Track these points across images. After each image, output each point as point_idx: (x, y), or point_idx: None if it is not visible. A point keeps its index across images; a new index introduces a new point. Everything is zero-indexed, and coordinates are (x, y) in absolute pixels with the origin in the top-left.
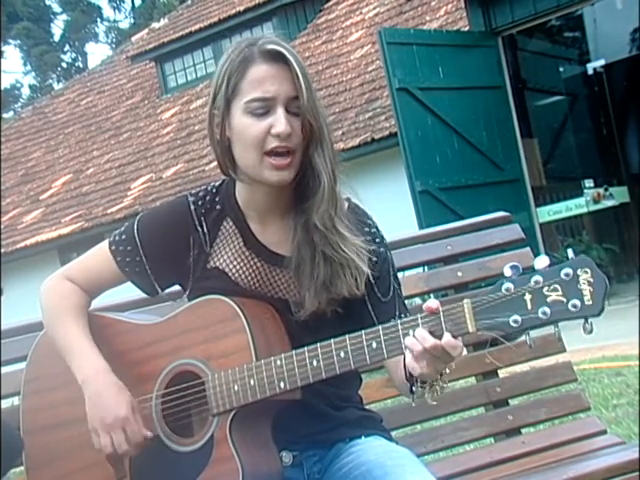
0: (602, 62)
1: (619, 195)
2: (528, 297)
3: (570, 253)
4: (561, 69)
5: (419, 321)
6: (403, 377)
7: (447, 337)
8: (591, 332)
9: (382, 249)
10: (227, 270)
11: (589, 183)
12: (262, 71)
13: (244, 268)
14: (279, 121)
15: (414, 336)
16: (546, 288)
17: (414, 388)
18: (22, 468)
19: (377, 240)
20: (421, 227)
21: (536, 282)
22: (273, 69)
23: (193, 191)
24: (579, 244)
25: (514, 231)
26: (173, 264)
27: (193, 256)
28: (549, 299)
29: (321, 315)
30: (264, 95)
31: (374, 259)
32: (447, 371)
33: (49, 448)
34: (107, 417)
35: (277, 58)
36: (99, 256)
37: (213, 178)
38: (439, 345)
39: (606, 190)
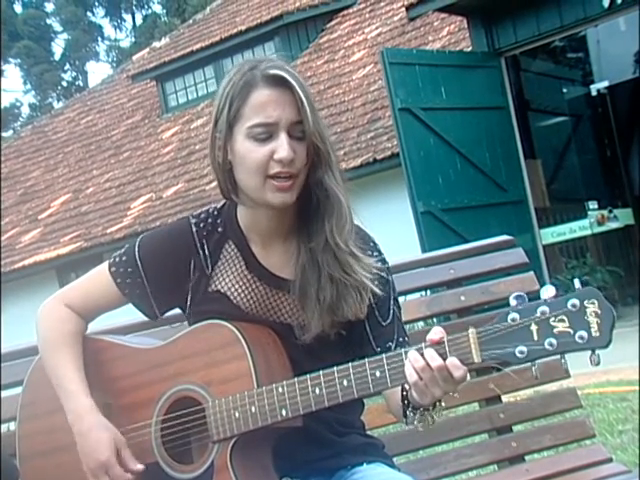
0: (606, 83)
1: (623, 217)
2: (534, 328)
3: (577, 283)
4: (564, 90)
5: (423, 351)
6: (399, 399)
7: (452, 359)
8: (598, 364)
9: (383, 273)
10: (229, 293)
11: (593, 205)
12: (264, 96)
13: (246, 292)
14: (282, 147)
15: (422, 354)
16: (553, 319)
17: (408, 412)
18: None
19: (379, 265)
20: (423, 248)
21: (542, 312)
22: (275, 94)
23: (195, 213)
24: (583, 266)
25: (517, 255)
26: (174, 286)
27: (194, 279)
28: (556, 330)
29: (324, 338)
30: (266, 120)
31: (378, 290)
32: (442, 404)
33: (45, 473)
34: (90, 462)
35: (280, 83)
36: (98, 278)
37: (214, 198)
38: (443, 366)
39: (610, 212)
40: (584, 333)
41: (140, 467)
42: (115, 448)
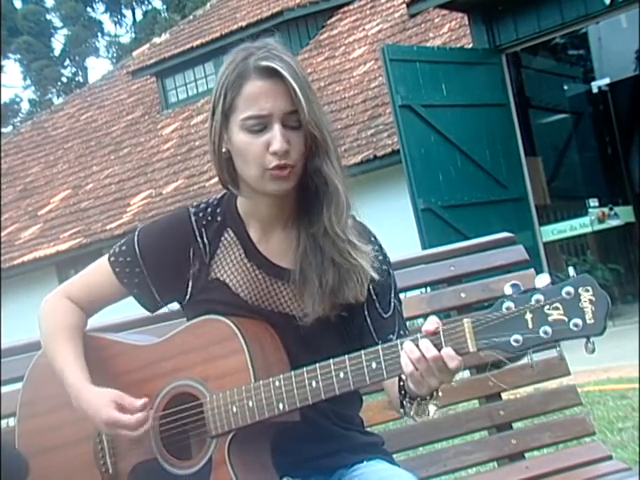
0: (607, 80)
1: (624, 215)
2: (529, 316)
3: (571, 271)
4: (565, 87)
5: (419, 341)
6: (397, 391)
7: (447, 349)
8: (593, 351)
9: (385, 266)
10: (227, 281)
11: (594, 202)
12: (257, 87)
13: (245, 279)
14: (275, 139)
15: (417, 345)
16: (547, 307)
17: (405, 402)
18: None
19: (380, 257)
20: (424, 245)
21: (537, 301)
22: (267, 85)
23: (195, 203)
24: (583, 264)
25: (518, 252)
26: (174, 275)
27: (194, 268)
28: (550, 318)
29: (324, 326)
30: (259, 112)
31: (377, 275)
32: (440, 394)
33: (46, 472)
34: (101, 426)
35: (272, 73)
36: (98, 269)
37: (214, 194)
38: (438, 356)
39: (611, 209)
40: (579, 321)
41: (144, 400)
42: (114, 403)
